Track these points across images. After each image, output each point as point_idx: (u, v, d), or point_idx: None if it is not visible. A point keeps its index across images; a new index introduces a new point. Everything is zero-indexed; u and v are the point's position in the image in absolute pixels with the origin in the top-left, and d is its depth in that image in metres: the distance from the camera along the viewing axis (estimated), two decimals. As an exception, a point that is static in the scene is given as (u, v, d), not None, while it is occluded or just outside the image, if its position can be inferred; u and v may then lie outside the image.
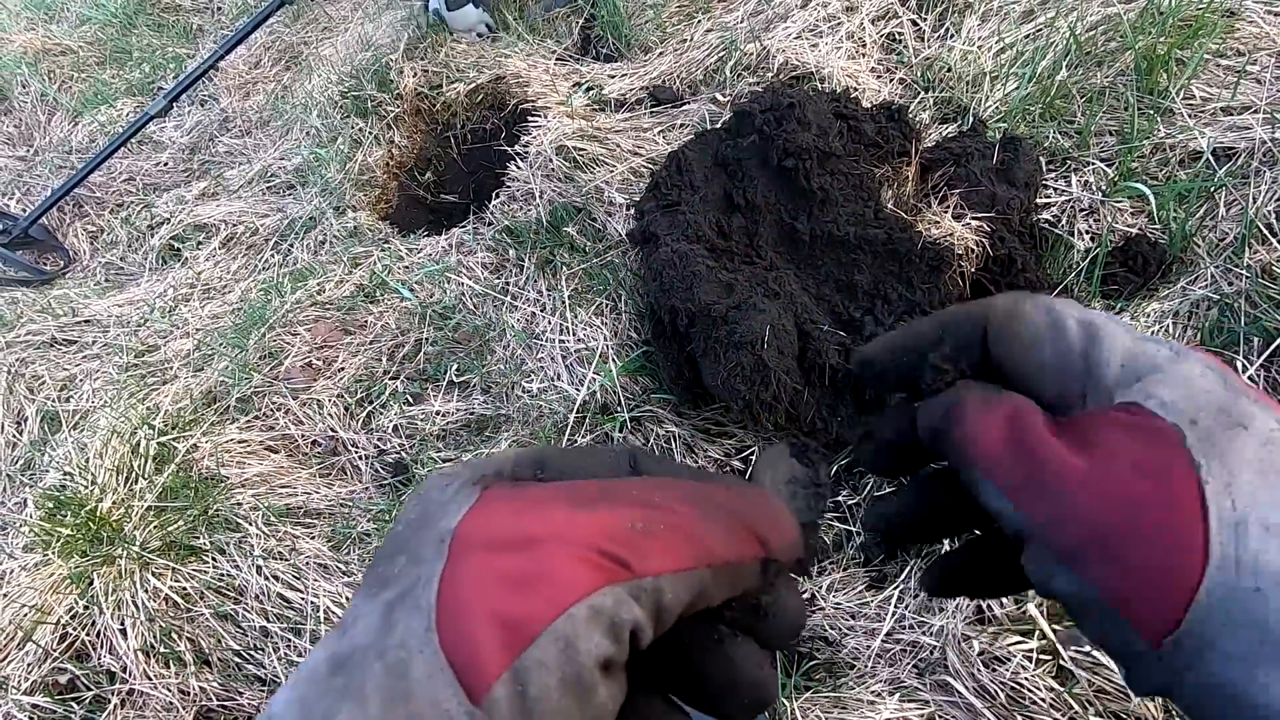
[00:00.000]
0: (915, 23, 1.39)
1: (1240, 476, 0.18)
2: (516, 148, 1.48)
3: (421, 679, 0.17)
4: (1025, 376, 0.23)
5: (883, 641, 0.81)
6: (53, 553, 1.07)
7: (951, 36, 1.32)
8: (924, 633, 0.80)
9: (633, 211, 1.19)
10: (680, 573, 0.19)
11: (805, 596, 0.86)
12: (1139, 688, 0.20)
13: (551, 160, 1.38)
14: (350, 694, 0.17)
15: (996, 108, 1.18)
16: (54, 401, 1.40)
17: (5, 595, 1.07)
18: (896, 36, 1.39)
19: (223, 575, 1.05)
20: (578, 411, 1.08)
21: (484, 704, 0.17)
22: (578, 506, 0.20)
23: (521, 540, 0.19)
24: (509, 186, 1.44)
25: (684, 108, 1.44)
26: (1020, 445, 0.21)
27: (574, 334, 1.17)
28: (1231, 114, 1.03)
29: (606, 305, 1.19)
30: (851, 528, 0.90)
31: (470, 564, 0.18)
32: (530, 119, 1.51)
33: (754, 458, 0.95)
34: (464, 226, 1.45)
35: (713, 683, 0.22)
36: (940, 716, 0.72)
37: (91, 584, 1.04)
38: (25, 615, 1.02)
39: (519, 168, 1.43)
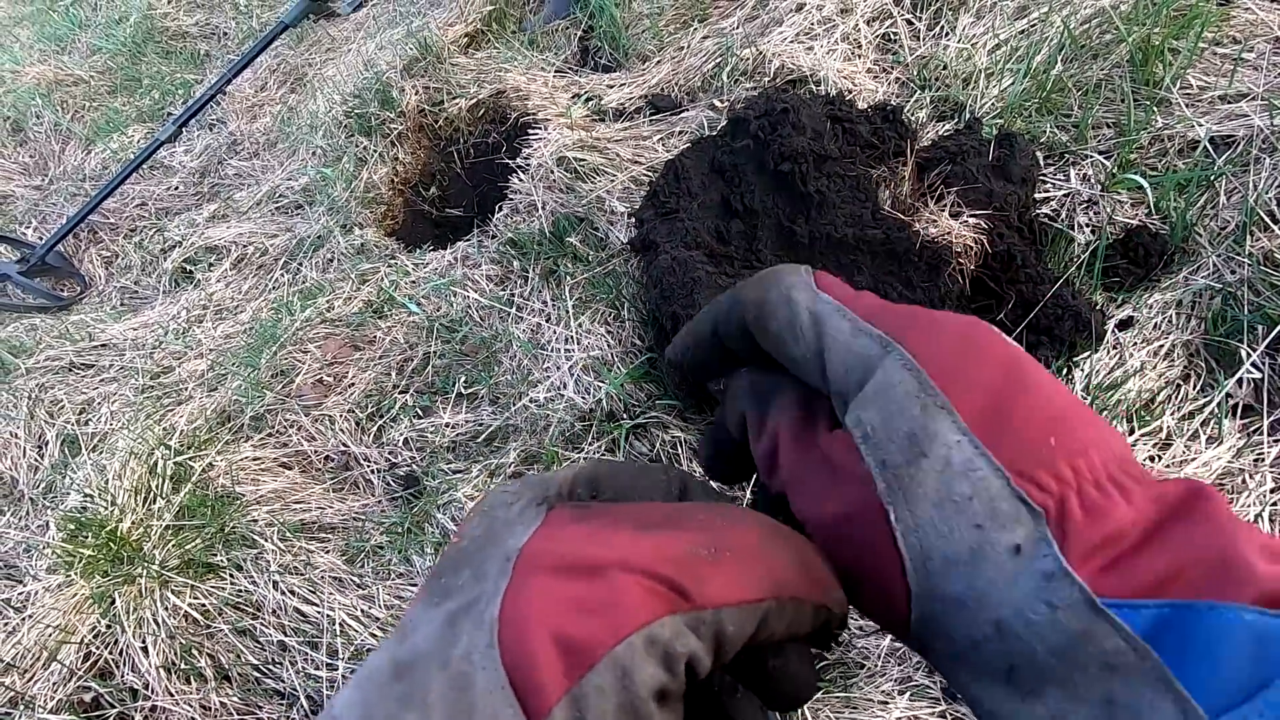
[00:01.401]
0: (910, 22, 1.40)
1: (922, 515, 0.19)
2: (518, 160, 1.50)
3: (483, 693, 0.17)
4: (789, 368, 0.24)
5: (892, 640, 0.81)
6: (75, 573, 1.09)
7: (946, 35, 1.32)
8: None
9: (633, 220, 1.20)
10: (744, 605, 0.19)
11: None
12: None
13: (553, 172, 1.40)
14: (413, 701, 0.18)
15: (993, 104, 1.18)
16: (73, 425, 1.42)
17: (30, 616, 1.09)
18: (892, 36, 1.39)
19: (240, 591, 1.06)
20: (584, 419, 1.09)
21: None
22: (643, 530, 0.20)
23: (587, 564, 0.19)
24: (512, 199, 1.45)
25: (682, 115, 1.45)
26: (785, 455, 0.23)
27: (579, 343, 1.18)
28: (1229, 102, 1.03)
29: (610, 313, 1.20)
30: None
31: (535, 584, 0.19)
32: (531, 131, 1.53)
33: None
34: (469, 240, 1.47)
35: None
36: (951, 714, 0.72)
37: (113, 603, 1.06)
38: (50, 635, 1.05)
39: (521, 180, 1.45)
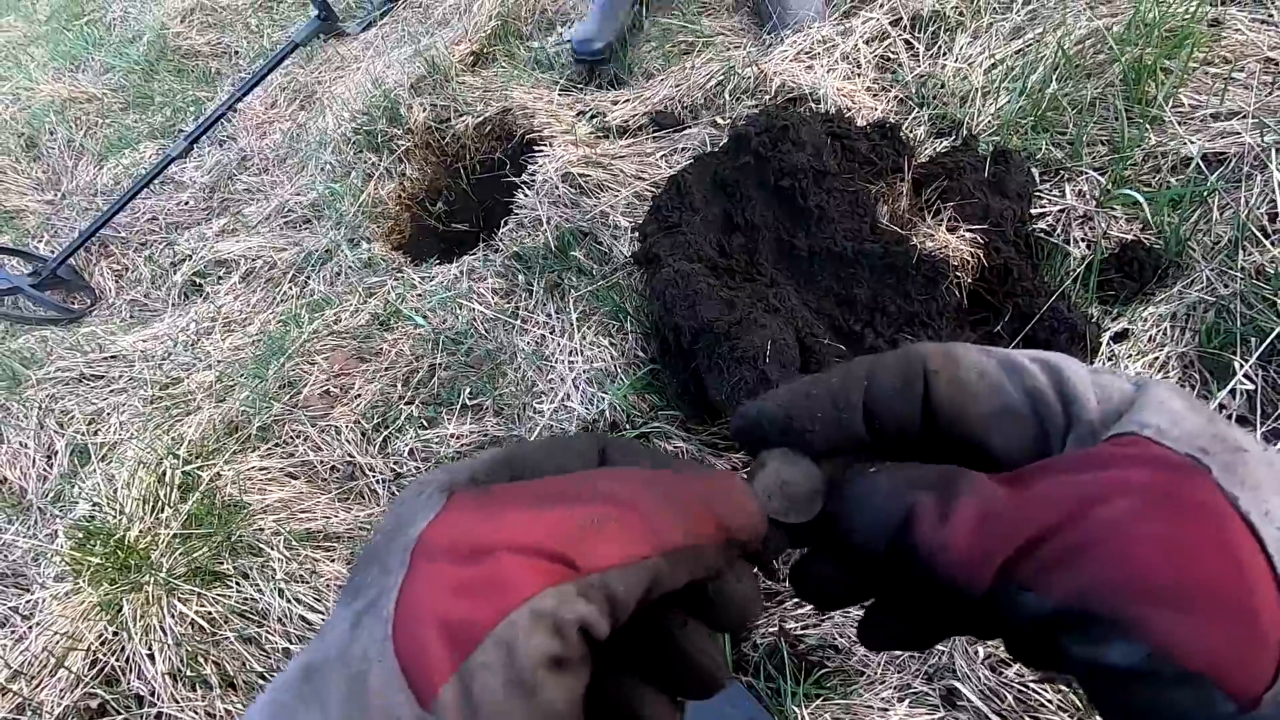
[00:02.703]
0: (909, 42, 1.43)
1: (1271, 502, 0.17)
2: (524, 176, 1.52)
3: (378, 688, 0.18)
4: (972, 427, 0.22)
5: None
6: (83, 581, 1.11)
7: (944, 55, 1.35)
8: (934, 639, 0.81)
9: (636, 234, 1.23)
10: (630, 564, 0.19)
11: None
12: None
13: (558, 187, 1.42)
14: (316, 701, 0.19)
15: (989, 122, 1.20)
16: (83, 435, 1.44)
17: (39, 624, 1.10)
18: (891, 56, 1.42)
19: (246, 599, 1.08)
20: (588, 430, 1.11)
21: (432, 707, 0.17)
22: (535, 507, 0.20)
23: (476, 547, 0.19)
24: (517, 214, 1.48)
25: (685, 132, 1.48)
26: (1010, 528, 0.19)
27: (583, 354, 1.20)
28: (1220, 120, 1.05)
29: (614, 325, 1.21)
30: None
31: (426, 572, 0.19)
32: (536, 148, 1.55)
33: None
34: (474, 254, 1.49)
35: (667, 668, 0.23)
36: (950, 721, 0.72)
37: (120, 611, 1.07)
38: (57, 642, 1.06)
39: (526, 195, 1.48)
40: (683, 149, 1.43)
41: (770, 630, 0.86)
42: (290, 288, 1.64)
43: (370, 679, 0.18)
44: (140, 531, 1.14)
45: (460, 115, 1.76)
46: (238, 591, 1.08)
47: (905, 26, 1.43)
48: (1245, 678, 0.16)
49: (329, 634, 0.20)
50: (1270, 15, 1.13)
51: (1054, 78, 1.18)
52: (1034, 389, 0.21)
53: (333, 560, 1.10)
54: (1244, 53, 1.10)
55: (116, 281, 1.95)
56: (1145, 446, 0.19)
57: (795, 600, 0.89)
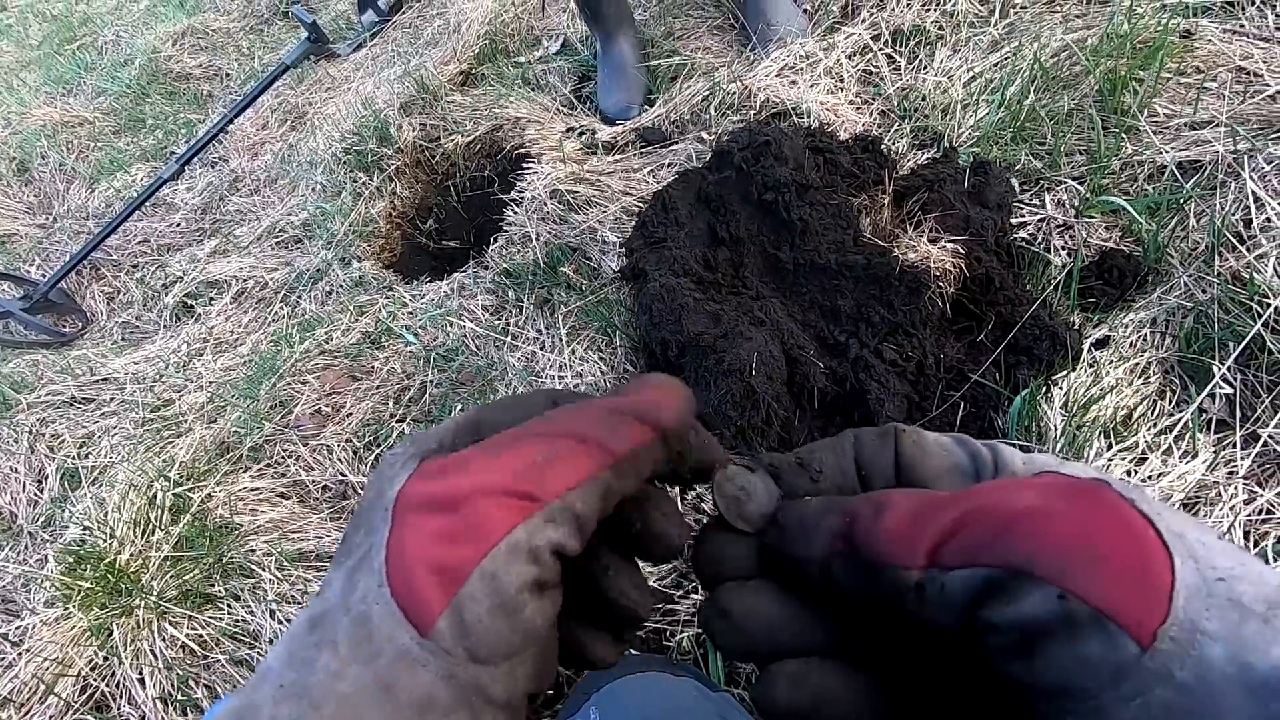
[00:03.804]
0: (890, 57, 1.45)
1: (1164, 510, 0.21)
2: (513, 193, 1.54)
3: (380, 624, 0.21)
4: (930, 477, 0.25)
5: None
6: (73, 606, 1.10)
7: (924, 68, 1.37)
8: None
9: (624, 249, 1.24)
10: (582, 484, 0.22)
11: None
12: (1118, 714, 0.19)
13: (546, 204, 1.44)
14: (325, 643, 0.21)
15: (969, 133, 1.22)
16: (74, 459, 1.44)
17: (28, 650, 1.10)
18: (873, 70, 1.44)
19: (238, 621, 1.07)
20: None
21: (430, 635, 0.20)
22: (495, 455, 0.23)
23: (450, 497, 0.22)
24: (507, 231, 1.49)
25: (672, 147, 1.49)
26: (941, 521, 0.22)
27: (572, 369, 1.20)
28: (1194, 129, 1.07)
29: (602, 340, 1.22)
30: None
31: (409, 523, 0.22)
32: (525, 165, 1.57)
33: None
34: (465, 271, 1.50)
35: (600, 604, 0.26)
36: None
37: (111, 635, 1.06)
38: (47, 669, 1.05)
39: (516, 212, 1.49)
40: (669, 164, 1.44)
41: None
42: (282, 307, 1.64)
43: (372, 619, 0.21)
44: (131, 555, 1.14)
45: (450, 134, 1.78)
46: (229, 613, 1.08)
47: (886, 41, 1.46)
48: (1143, 615, 0.18)
49: (327, 591, 0.23)
50: (1241, 25, 1.16)
51: (1031, 89, 1.20)
52: (975, 453, 0.25)
53: (324, 580, 1.10)
54: (1215, 62, 1.13)
55: (108, 304, 1.95)
56: (1056, 476, 0.22)
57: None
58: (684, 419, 0.25)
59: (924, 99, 1.31)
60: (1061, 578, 0.19)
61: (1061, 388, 0.90)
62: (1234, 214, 0.95)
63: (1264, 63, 1.09)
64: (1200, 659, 0.18)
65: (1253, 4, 1.17)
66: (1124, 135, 1.10)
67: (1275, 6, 1.16)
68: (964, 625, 0.21)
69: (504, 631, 0.21)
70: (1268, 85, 1.06)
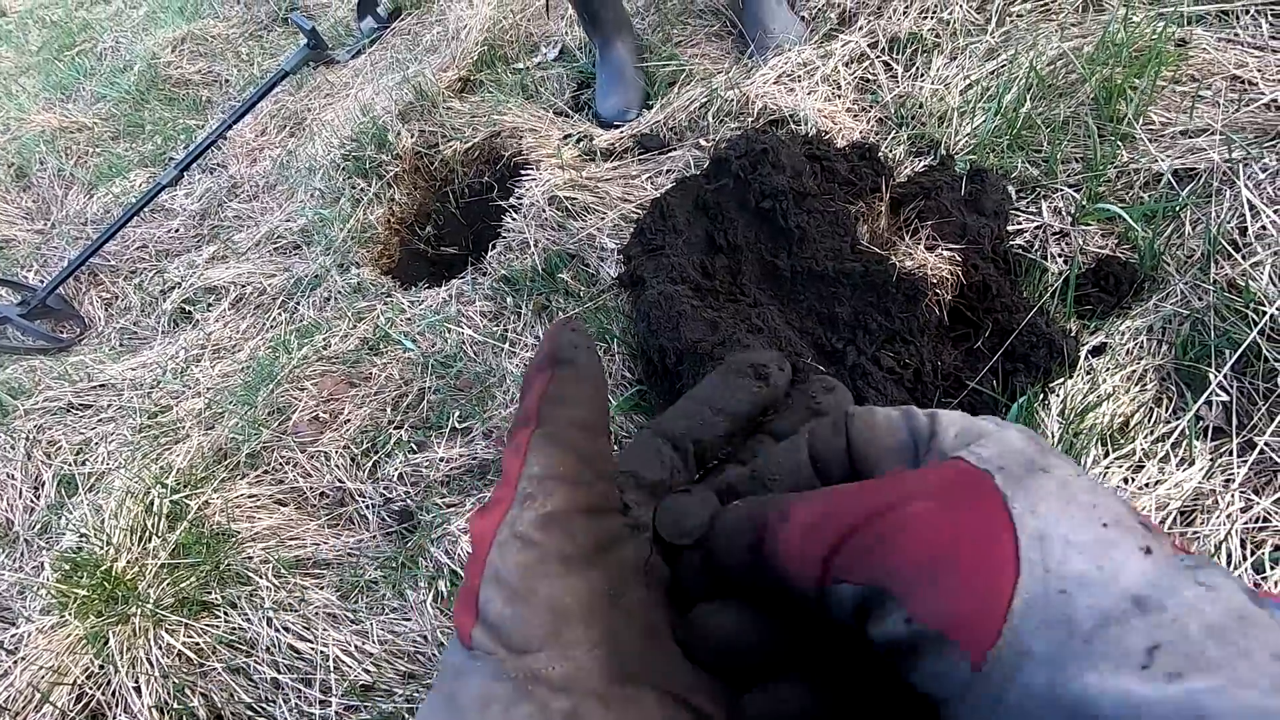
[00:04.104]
0: (888, 65, 1.46)
1: (1042, 505, 0.20)
2: (511, 200, 1.54)
3: (446, 658, 0.24)
4: (877, 458, 0.25)
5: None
6: (69, 614, 1.10)
7: (921, 76, 1.38)
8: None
9: (622, 256, 1.24)
10: (525, 463, 0.24)
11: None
12: None
13: (545, 210, 1.44)
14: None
15: (966, 141, 1.23)
16: (70, 465, 1.44)
17: (23, 658, 1.09)
18: (870, 77, 1.45)
19: (234, 629, 1.07)
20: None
21: (473, 645, 0.22)
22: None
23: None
24: (505, 237, 1.49)
25: (670, 154, 1.50)
26: (833, 530, 0.22)
27: (570, 376, 1.20)
28: (1189, 137, 1.07)
29: (601, 347, 1.22)
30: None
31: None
32: (524, 172, 1.57)
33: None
34: (463, 277, 1.50)
35: None
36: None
37: (107, 643, 1.06)
38: (42, 677, 1.04)
39: (514, 219, 1.49)
40: (667, 171, 1.45)
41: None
42: (280, 314, 1.64)
43: (446, 656, 0.24)
44: (127, 562, 1.13)
45: (448, 140, 1.78)
46: (226, 621, 1.07)
47: (883, 49, 1.46)
48: (975, 638, 0.18)
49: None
50: (1235, 34, 1.16)
51: (1027, 97, 1.21)
52: (915, 428, 0.25)
53: (322, 588, 1.10)
54: (1210, 71, 1.13)
55: (106, 310, 1.95)
56: (957, 464, 0.22)
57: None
58: (555, 346, 0.26)
59: (921, 106, 1.32)
60: (908, 597, 0.19)
61: (1059, 395, 0.90)
62: (1229, 222, 0.95)
63: (1258, 71, 1.10)
64: (1024, 683, 0.17)
65: (1246, 13, 1.18)
66: (1120, 143, 1.10)
67: (1269, 15, 1.17)
68: (856, 626, 0.21)
69: (526, 617, 0.22)
70: (1262, 94, 1.06)
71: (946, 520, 0.20)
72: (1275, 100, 1.05)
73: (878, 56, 1.46)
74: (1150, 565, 0.18)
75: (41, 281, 2.04)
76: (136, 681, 1.02)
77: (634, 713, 0.23)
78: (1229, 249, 0.93)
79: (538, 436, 0.24)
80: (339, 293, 1.61)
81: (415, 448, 1.25)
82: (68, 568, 1.15)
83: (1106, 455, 0.82)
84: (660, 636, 0.25)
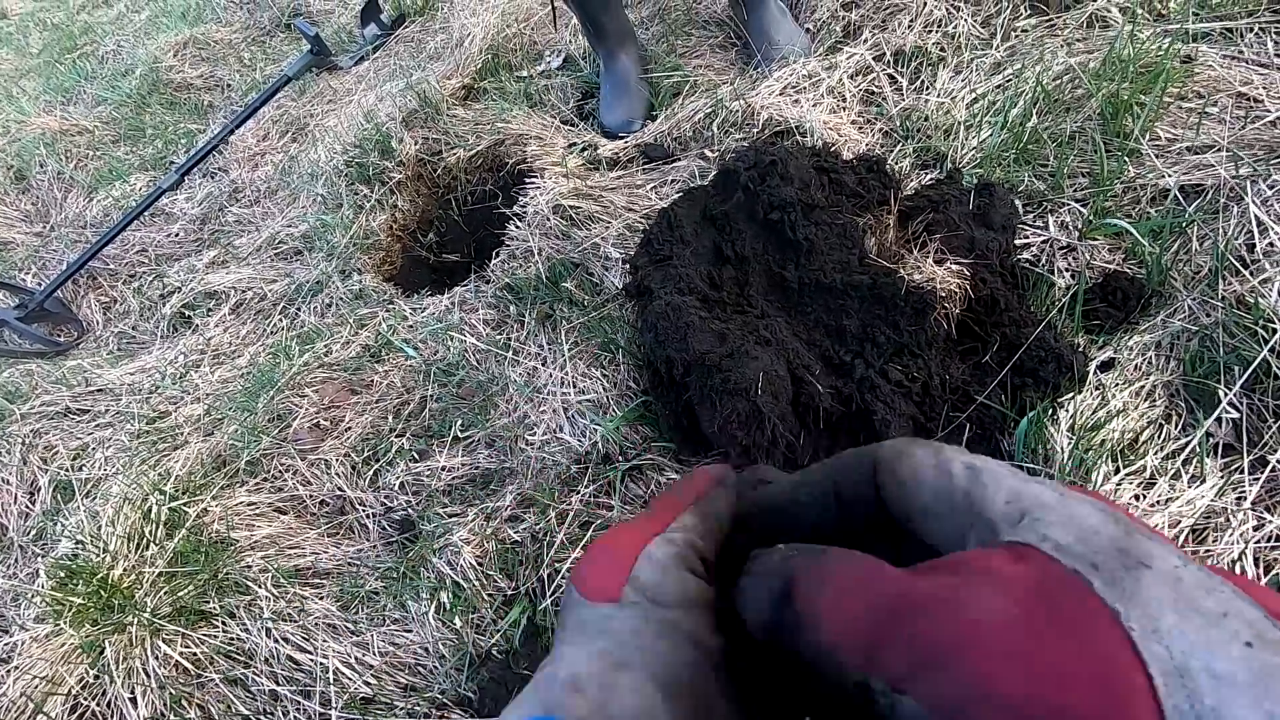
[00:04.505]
0: (893, 77, 1.46)
1: (1163, 620, 0.16)
2: (515, 208, 1.54)
3: (578, 611, 0.28)
4: (912, 520, 0.24)
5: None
6: (64, 622, 1.08)
7: (927, 89, 1.38)
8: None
9: (628, 266, 1.23)
10: (680, 516, 0.30)
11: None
12: None
13: (549, 219, 1.44)
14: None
15: (973, 154, 1.23)
16: (67, 471, 1.42)
17: (17, 667, 1.08)
18: (875, 90, 1.45)
19: (233, 639, 1.05)
20: (580, 462, 1.10)
21: (621, 598, 0.27)
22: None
23: (611, 546, 0.30)
24: (509, 245, 1.49)
25: (675, 164, 1.50)
26: (885, 612, 0.20)
27: (575, 386, 1.20)
28: (1196, 153, 1.07)
29: (605, 357, 1.22)
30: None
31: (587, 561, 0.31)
32: (528, 180, 1.57)
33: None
34: (466, 285, 1.50)
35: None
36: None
37: (102, 652, 1.04)
38: (36, 687, 1.03)
39: (518, 227, 1.49)
40: (672, 181, 1.45)
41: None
42: (280, 319, 1.63)
43: (576, 610, 0.28)
44: (124, 570, 1.12)
45: (452, 148, 1.78)
46: (224, 631, 1.06)
47: (888, 61, 1.47)
48: None
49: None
50: (1240, 52, 1.17)
51: (1034, 112, 1.21)
52: (948, 488, 0.23)
53: (321, 598, 1.09)
54: (1216, 88, 1.14)
55: (104, 314, 1.94)
56: (1029, 554, 0.18)
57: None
58: (724, 472, 0.34)
59: (926, 120, 1.32)
60: None
61: (1068, 410, 0.90)
62: (1237, 238, 0.95)
63: (1264, 89, 1.10)
64: None
65: (1251, 31, 1.19)
66: (1126, 158, 1.10)
67: (1273, 33, 1.17)
68: None
69: (670, 583, 0.27)
70: (1268, 111, 1.07)
71: (1043, 646, 0.16)
72: (1281, 118, 1.05)
73: (883, 69, 1.46)
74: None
75: (40, 284, 2.03)
76: (132, 692, 1.00)
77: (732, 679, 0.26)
78: (1237, 265, 0.93)
79: (694, 510, 0.31)
80: (340, 299, 1.60)
81: (417, 456, 1.24)
82: (63, 575, 1.13)
83: (1117, 472, 0.82)
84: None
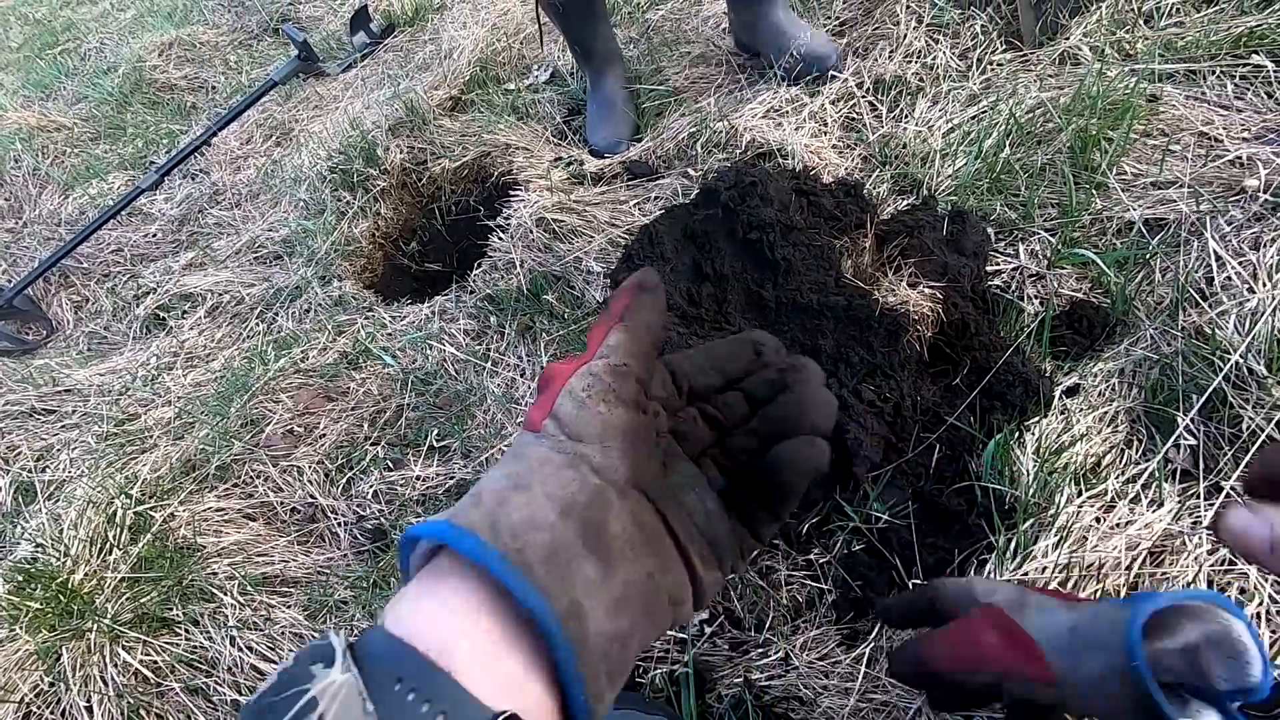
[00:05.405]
0: (873, 105, 1.50)
1: (1029, 618, 0.50)
2: (498, 220, 1.54)
3: (519, 440, 0.35)
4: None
5: (857, 701, 0.82)
6: (20, 628, 1.06)
7: (905, 117, 1.42)
8: (898, 693, 0.81)
9: (609, 281, 1.24)
10: (601, 341, 0.36)
11: (779, 657, 0.87)
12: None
13: (532, 231, 1.45)
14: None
15: (948, 182, 1.26)
16: (29, 472, 1.39)
17: (-32, 673, 1.04)
18: (855, 116, 1.49)
19: (195, 647, 1.03)
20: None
21: (541, 431, 0.34)
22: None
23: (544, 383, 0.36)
24: (491, 256, 1.49)
25: (658, 181, 1.52)
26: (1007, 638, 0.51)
27: (552, 398, 1.20)
28: (1160, 188, 1.11)
29: (584, 370, 1.22)
30: (823, 585, 0.92)
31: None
32: (512, 192, 1.58)
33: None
34: (447, 295, 1.50)
35: (764, 484, 0.38)
36: (912, 775, 0.72)
37: (59, 659, 1.02)
38: (-12, 694, 1.00)
39: (500, 238, 1.49)
40: (655, 198, 1.47)
41: (735, 680, 0.86)
42: (257, 324, 1.62)
43: (519, 441, 0.35)
44: (85, 575, 1.10)
45: (437, 158, 1.78)
46: (186, 639, 1.04)
47: (869, 89, 1.50)
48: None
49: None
50: (1202, 93, 1.22)
51: (1007, 143, 1.25)
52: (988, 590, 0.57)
53: (289, 606, 1.07)
54: (1180, 126, 1.18)
55: (75, 313, 1.91)
56: (988, 608, 0.52)
57: (760, 650, 0.88)
58: (644, 276, 0.38)
59: (904, 147, 1.36)
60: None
61: (1034, 433, 0.92)
62: (1196, 271, 0.99)
63: (1224, 129, 1.15)
64: None
65: (1213, 73, 1.24)
66: (1094, 191, 1.14)
67: (1234, 76, 1.22)
68: None
69: (586, 419, 0.33)
70: (1227, 150, 1.11)
71: (982, 634, 0.54)
72: (1239, 157, 1.10)
73: (863, 96, 1.50)
74: None
75: (9, 281, 1.99)
76: (89, 700, 0.98)
77: (637, 508, 0.33)
78: (1196, 297, 0.97)
79: (619, 327, 0.36)
80: (319, 305, 1.59)
81: (391, 465, 1.24)
82: (20, 579, 1.11)
83: (1080, 494, 0.84)
84: (666, 480, 0.35)
